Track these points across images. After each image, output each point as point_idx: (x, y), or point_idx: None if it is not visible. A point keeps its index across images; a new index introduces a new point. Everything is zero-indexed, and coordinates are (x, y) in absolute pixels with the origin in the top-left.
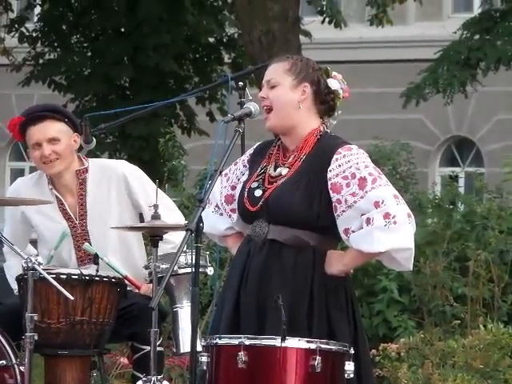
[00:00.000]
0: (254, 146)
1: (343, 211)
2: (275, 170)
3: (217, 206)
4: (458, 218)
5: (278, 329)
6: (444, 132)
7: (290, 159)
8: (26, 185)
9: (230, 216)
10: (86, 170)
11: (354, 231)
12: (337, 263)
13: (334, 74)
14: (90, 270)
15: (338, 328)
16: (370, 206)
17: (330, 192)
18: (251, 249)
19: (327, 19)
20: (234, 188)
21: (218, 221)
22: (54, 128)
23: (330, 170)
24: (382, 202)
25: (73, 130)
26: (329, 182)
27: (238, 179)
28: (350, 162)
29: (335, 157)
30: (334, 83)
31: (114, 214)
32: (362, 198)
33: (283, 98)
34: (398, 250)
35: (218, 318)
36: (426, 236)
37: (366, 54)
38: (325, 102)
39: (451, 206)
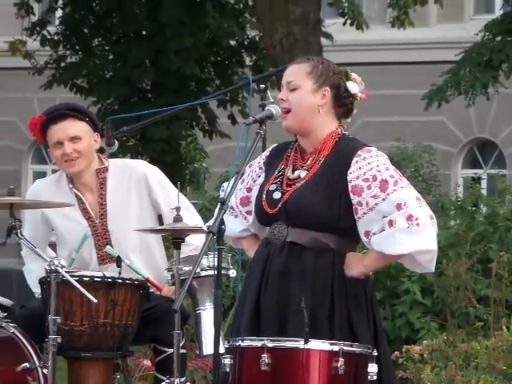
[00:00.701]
0: (270, 148)
1: (364, 213)
2: (293, 173)
3: (232, 208)
4: (481, 219)
5: (299, 331)
6: (466, 134)
7: (309, 162)
8: (46, 186)
9: (245, 218)
10: (107, 170)
11: (375, 233)
12: (357, 265)
13: (353, 76)
14: (111, 271)
15: (359, 330)
16: (391, 208)
17: (351, 194)
18: (270, 252)
19: (349, 21)
20: (249, 190)
21: (233, 223)
22: (76, 127)
23: (351, 173)
24: (405, 204)
25: (93, 130)
26: (349, 185)
27: (254, 181)
28: (371, 165)
29: (355, 159)
30: (353, 86)
31: (134, 214)
32: (383, 200)
33: (303, 101)
34: (420, 252)
35: (238, 321)
36: (448, 238)
37: (388, 56)
38: (343, 106)
39: (474, 208)
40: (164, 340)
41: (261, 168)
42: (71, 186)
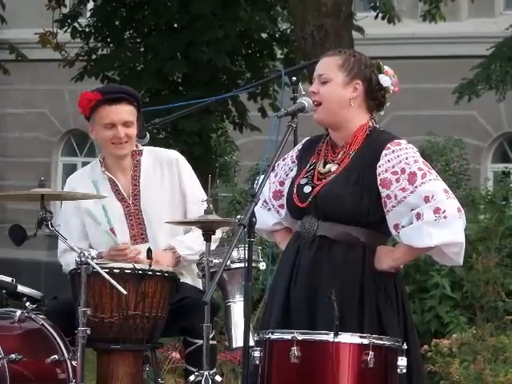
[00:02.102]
0: (303, 142)
1: (393, 206)
2: (324, 167)
3: (265, 201)
4: (511, 214)
5: (329, 325)
6: (496, 128)
7: (340, 155)
8: (79, 177)
9: (278, 212)
10: (141, 153)
11: (403, 226)
12: (387, 259)
13: (385, 69)
14: (144, 251)
15: (388, 324)
16: (419, 201)
17: (380, 187)
18: (300, 245)
19: (380, 15)
20: (282, 184)
21: (266, 216)
22: (129, 111)
23: (380, 166)
24: (432, 197)
25: (137, 113)
26: (378, 178)
27: (287, 175)
28: (400, 157)
29: (384, 152)
30: (386, 79)
31: (165, 196)
32: (411, 192)
33: (334, 94)
34: (448, 245)
35: (268, 314)
36: (478, 232)
37: (419, 49)
38: (375, 99)
39: (504, 202)
40: (194, 331)
41: (293, 162)
42: (104, 170)
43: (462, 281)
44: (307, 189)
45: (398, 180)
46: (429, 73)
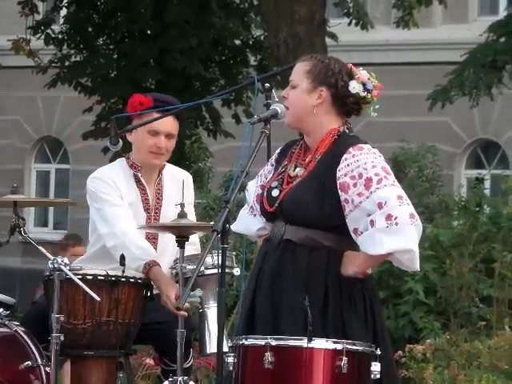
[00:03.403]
0: (283, 146)
1: (350, 211)
2: (294, 170)
3: (251, 207)
4: (484, 220)
5: (292, 330)
6: (470, 135)
7: (307, 159)
8: (116, 173)
9: (261, 215)
10: (164, 167)
11: (361, 232)
12: (351, 264)
13: (359, 74)
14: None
15: (350, 331)
16: (374, 207)
17: (339, 191)
18: (268, 250)
19: (354, 21)
20: (262, 187)
21: (251, 222)
22: (174, 125)
23: (339, 170)
24: (385, 203)
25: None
26: (337, 182)
27: (266, 178)
28: (359, 162)
29: (345, 156)
30: (355, 86)
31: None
32: (367, 198)
33: (299, 100)
34: (400, 252)
35: (239, 319)
36: (452, 238)
37: (392, 56)
38: (345, 105)
39: (477, 208)
40: (172, 357)
41: (272, 165)
42: (140, 175)
43: (436, 286)
44: (275, 192)
45: (355, 185)
46: (402, 79)
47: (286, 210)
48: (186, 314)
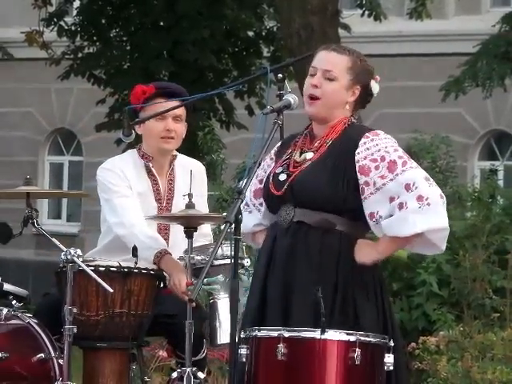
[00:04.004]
0: (282, 140)
1: (371, 193)
2: (300, 156)
3: (246, 204)
4: (498, 211)
5: (305, 311)
6: (483, 126)
7: (316, 144)
8: (126, 163)
9: (259, 210)
10: (175, 158)
11: (381, 216)
12: (371, 252)
13: (375, 75)
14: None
15: (363, 317)
16: (400, 189)
17: (358, 174)
18: (277, 233)
19: (367, 12)
20: (261, 182)
21: (246, 218)
22: (181, 109)
23: (358, 153)
24: (413, 185)
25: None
26: (357, 165)
27: (265, 172)
28: (379, 146)
29: (363, 140)
30: (376, 87)
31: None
32: (391, 180)
33: (337, 95)
34: (434, 231)
35: (248, 305)
36: (465, 229)
37: (405, 47)
38: (364, 103)
39: (490, 200)
40: (183, 349)
41: (272, 159)
42: (151, 165)
43: (449, 278)
44: (282, 177)
45: (377, 167)
46: (415, 70)
47: (296, 192)
48: (194, 304)
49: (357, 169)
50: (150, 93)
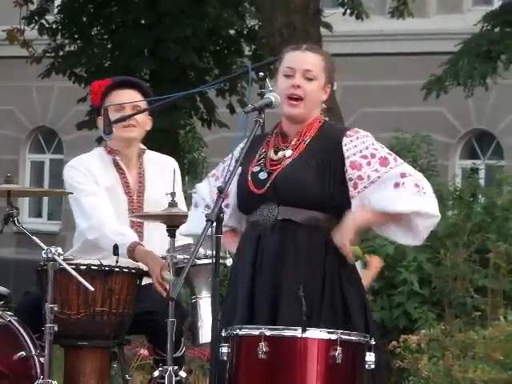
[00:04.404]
0: (244, 141)
1: (365, 187)
2: (276, 154)
3: (207, 206)
4: (479, 210)
5: (293, 310)
6: (464, 125)
7: (293, 142)
8: (92, 160)
9: (224, 212)
10: (144, 152)
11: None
12: (348, 225)
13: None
14: (109, 260)
15: (354, 315)
16: (396, 177)
17: (349, 169)
18: (261, 233)
19: (348, 11)
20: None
21: None
22: (138, 97)
23: (347, 150)
24: (409, 174)
25: (149, 112)
26: (347, 161)
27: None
28: (365, 144)
29: (347, 138)
30: (335, 86)
31: (164, 198)
32: (386, 172)
33: (316, 94)
34: (424, 216)
35: (230, 307)
36: (446, 228)
37: (387, 46)
38: (327, 101)
39: (472, 198)
40: (163, 347)
41: (237, 160)
42: (119, 158)
43: (431, 277)
44: (263, 175)
45: (369, 163)
46: (397, 69)
47: (281, 190)
48: (164, 293)
49: (347, 164)
50: (106, 86)
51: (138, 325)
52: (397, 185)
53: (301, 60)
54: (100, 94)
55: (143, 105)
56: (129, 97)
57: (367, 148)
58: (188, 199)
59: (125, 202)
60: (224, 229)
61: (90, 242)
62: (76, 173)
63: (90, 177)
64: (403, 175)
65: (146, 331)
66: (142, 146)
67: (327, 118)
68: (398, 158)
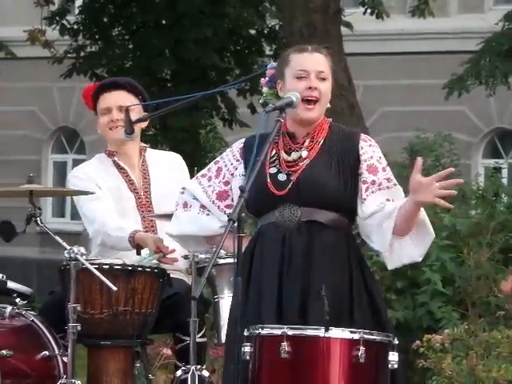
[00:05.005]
0: (242, 141)
1: (372, 192)
2: (289, 155)
3: (202, 206)
4: (502, 209)
5: (322, 312)
6: (487, 124)
7: (306, 143)
8: (93, 166)
9: (224, 212)
10: (145, 150)
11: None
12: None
13: None
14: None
15: (381, 308)
16: (399, 195)
17: (366, 173)
18: (286, 234)
19: (369, 10)
20: (227, 184)
21: (207, 221)
22: (127, 99)
23: (364, 153)
24: None
25: (143, 109)
26: (365, 164)
27: (232, 174)
28: (376, 153)
29: (363, 143)
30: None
31: (174, 191)
32: (395, 185)
33: (329, 94)
34: (424, 234)
35: (254, 307)
36: (469, 227)
37: (408, 45)
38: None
39: (494, 198)
40: (184, 328)
41: (238, 160)
42: (117, 159)
43: (454, 276)
44: (282, 177)
45: (384, 169)
46: (418, 68)
47: (304, 191)
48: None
49: (364, 168)
50: (94, 89)
51: (161, 318)
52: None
53: (313, 61)
54: (90, 99)
55: (134, 107)
56: (113, 97)
57: (380, 157)
58: None
59: (132, 199)
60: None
61: (104, 246)
62: (77, 181)
63: (89, 181)
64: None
65: (167, 315)
66: (143, 144)
67: (331, 119)
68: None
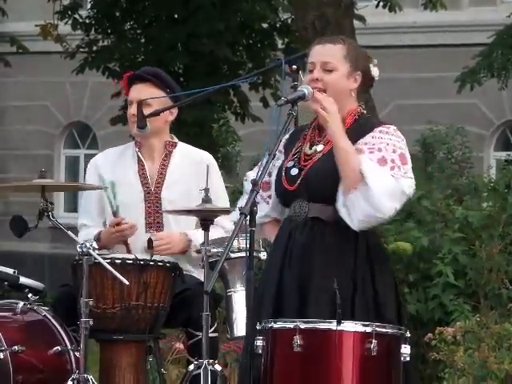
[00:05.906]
0: (290, 132)
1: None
2: (311, 149)
3: None
4: None
5: (319, 309)
6: (499, 116)
7: (327, 137)
8: (107, 155)
9: (267, 202)
10: (175, 145)
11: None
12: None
13: (372, 59)
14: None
15: (386, 309)
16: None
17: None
18: (293, 228)
19: (381, 3)
20: (269, 174)
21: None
22: (150, 92)
23: (363, 138)
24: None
25: (172, 101)
26: (365, 146)
27: (274, 165)
28: (382, 139)
29: (372, 133)
30: (376, 71)
31: (188, 193)
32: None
33: (339, 84)
34: (370, 197)
35: (259, 299)
36: (481, 219)
37: (420, 38)
38: (366, 89)
39: (506, 190)
40: (196, 323)
41: (280, 151)
42: (137, 150)
43: (466, 269)
44: (294, 171)
45: (371, 152)
46: (430, 61)
47: (310, 186)
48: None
49: (362, 143)
50: (126, 79)
51: (173, 313)
52: (382, 161)
53: (319, 53)
54: (126, 86)
55: (153, 101)
56: (138, 92)
57: (380, 143)
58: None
59: (141, 192)
60: (267, 219)
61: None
62: (87, 171)
63: (94, 174)
64: (393, 168)
65: (179, 312)
66: (174, 139)
67: (364, 111)
68: (395, 168)
